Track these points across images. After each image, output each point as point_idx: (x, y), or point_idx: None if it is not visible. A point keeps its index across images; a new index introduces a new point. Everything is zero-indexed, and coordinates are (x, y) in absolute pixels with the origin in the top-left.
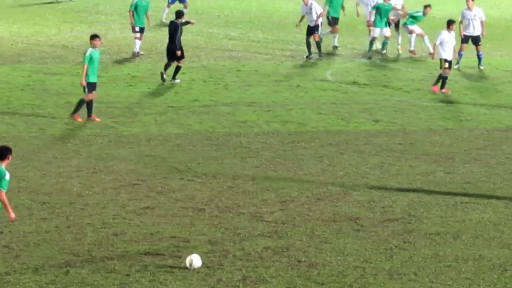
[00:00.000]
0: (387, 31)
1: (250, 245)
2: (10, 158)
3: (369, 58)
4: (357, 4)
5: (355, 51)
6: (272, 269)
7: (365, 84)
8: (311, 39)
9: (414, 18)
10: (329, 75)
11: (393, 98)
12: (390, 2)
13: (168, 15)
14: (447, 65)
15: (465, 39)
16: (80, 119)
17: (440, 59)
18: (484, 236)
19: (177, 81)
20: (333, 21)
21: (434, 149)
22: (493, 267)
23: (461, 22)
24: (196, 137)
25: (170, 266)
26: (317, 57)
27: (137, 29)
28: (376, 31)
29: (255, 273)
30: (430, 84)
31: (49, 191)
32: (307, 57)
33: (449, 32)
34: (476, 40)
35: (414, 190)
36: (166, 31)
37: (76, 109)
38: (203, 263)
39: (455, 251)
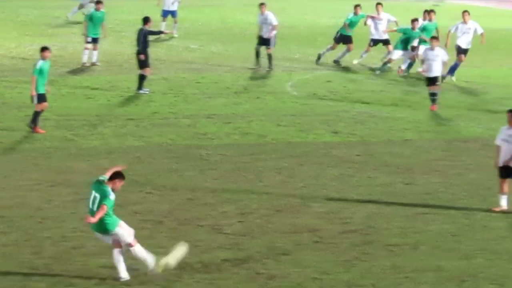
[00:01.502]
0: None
1: (209, 258)
2: (117, 183)
3: (377, 74)
4: (365, 24)
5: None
6: (231, 281)
7: (325, 96)
8: (263, 51)
9: (404, 33)
10: (289, 86)
11: (353, 109)
12: (417, 30)
13: (166, 28)
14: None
15: (461, 51)
16: (42, 131)
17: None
18: (443, 247)
19: (141, 91)
20: (345, 39)
21: (394, 160)
22: (451, 278)
23: (449, 32)
24: (156, 149)
25: (128, 280)
26: (267, 69)
27: (89, 39)
28: (396, 54)
29: (214, 286)
30: (390, 96)
31: (8, 205)
32: (254, 67)
33: (432, 49)
34: (465, 52)
35: (373, 202)
36: (126, 43)
37: (34, 122)
38: (161, 276)
39: (414, 262)
